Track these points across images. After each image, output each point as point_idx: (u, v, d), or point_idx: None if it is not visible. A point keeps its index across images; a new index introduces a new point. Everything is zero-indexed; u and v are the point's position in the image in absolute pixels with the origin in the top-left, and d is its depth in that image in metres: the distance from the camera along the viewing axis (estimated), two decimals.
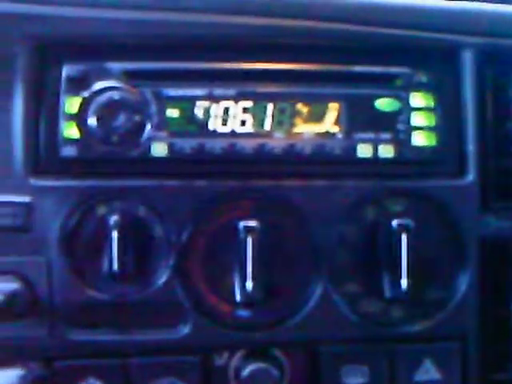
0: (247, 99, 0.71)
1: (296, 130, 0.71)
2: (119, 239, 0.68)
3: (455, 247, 0.74)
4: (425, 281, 0.73)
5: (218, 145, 0.70)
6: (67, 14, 0.71)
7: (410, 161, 0.73)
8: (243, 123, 0.71)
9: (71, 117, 0.70)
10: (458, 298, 0.74)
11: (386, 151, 0.72)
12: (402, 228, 0.70)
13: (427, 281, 0.73)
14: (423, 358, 0.74)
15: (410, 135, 0.73)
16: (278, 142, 0.71)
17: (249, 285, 0.68)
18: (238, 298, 0.70)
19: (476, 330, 0.75)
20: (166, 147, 0.70)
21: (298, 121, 0.71)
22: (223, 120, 0.71)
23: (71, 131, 0.70)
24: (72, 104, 0.70)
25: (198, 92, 0.71)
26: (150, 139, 0.70)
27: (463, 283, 0.74)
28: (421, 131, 0.73)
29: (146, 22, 0.71)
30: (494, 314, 0.75)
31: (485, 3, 0.75)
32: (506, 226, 0.75)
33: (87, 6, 0.71)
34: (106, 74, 0.70)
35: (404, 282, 0.70)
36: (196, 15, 0.72)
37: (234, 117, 0.71)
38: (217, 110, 0.71)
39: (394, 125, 0.72)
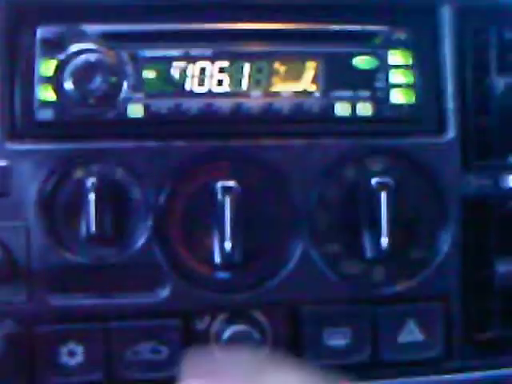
0: (224, 59, 0.72)
1: (273, 89, 0.72)
2: (96, 202, 0.68)
3: (436, 206, 0.74)
4: (406, 240, 0.73)
5: (194, 105, 0.71)
6: None
7: (388, 119, 0.73)
8: (220, 83, 0.71)
9: (47, 80, 0.70)
10: (440, 258, 0.75)
11: (365, 109, 0.73)
12: (382, 186, 0.71)
13: (408, 240, 0.74)
14: (406, 319, 0.75)
15: (388, 93, 0.73)
16: (255, 101, 0.71)
17: (227, 246, 0.69)
18: (216, 259, 0.70)
19: (458, 289, 0.75)
20: (143, 108, 0.70)
21: (275, 80, 0.72)
22: (200, 80, 0.71)
23: (47, 94, 0.70)
24: (47, 67, 0.70)
25: (174, 53, 0.71)
26: (127, 100, 0.70)
27: (445, 243, 0.74)
28: (399, 89, 0.73)
29: None
30: (477, 274, 0.75)
31: None
32: (486, 184, 0.75)
33: None
34: (81, 37, 0.71)
35: (384, 241, 0.69)
36: None
37: (211, 77, 0.71)
38: (193, 70, 0.71)
39: (372, 83, 0.73)
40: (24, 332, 0.68)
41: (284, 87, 0.72)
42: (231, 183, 0.69)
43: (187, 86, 0.71)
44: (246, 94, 0.71)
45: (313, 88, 0.72)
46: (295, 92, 0.72)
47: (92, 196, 0.68)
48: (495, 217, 0.76)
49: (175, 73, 0.71)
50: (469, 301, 0.76)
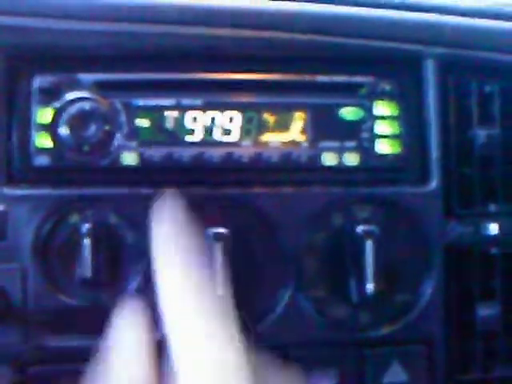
0: (214, 109, 0.79)
1: (263, 138, 0.79)
2: (91, 246, 0.75)
3: (420, 252, 0.82)
4: (390, 285, 0.80)
5: (186, 153, 0.78)
6: (38, 25, 0.78)
7: (374, 168, 0.81)
8: (211, 132, 0.78)
9: (43, 127, 0.77)
10: (423, 303, 0.82)
11: (351, 159, 0.80)
12: (367, 234, 0.78)
13: (393, 286, 0.81)
14: (391, 360, 0.81)
15: (374, 143, 0.80)
16: (245, 150, 0.79)
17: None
18: None
19: (441, 333, 0.82)
20: (136, 156, 0.77)
21: (264, 130, 0.79)
22: (191, 129, 0.78)
23: (43, 141, 0.77)
24: (44, 114, 0.77)
25: (167, 102, 0.78)
26: (120, 148, 0.77)
27: (428, 288, 0.82)
28: (385, 139, 0.81)
29: (116, 33, 0.79)
30: (459, 318, 0.83)
31: (447, 16, 0.83)
32: (469, 231, 0.82)
33: (58, 17, 0.78)
34: (76, 85, 0.78)
35: (369, 287, 0.77)
36: (164, 27, 0.79)
37: (202, 126, 0.78)
38: (185, 119, 0.78)
39: (358, 133, 0.80)
40: (19, 374, 0.75)
41: (273, 137, 0.79)
42: (222, 230, 0.76)
43: (179, 135, 0.78)
44: (236, 144, 0.78)
45: (301, 138, 0.79)
46: (284, 142, 0.79)
47: (87, 241, 0.75)
48: (477, 263, 0.83)
49: (167, 122, 0.78)
50: (452, 343, 0.83)
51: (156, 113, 0.78)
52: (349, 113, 0.80)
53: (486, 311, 0.83)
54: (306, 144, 0.79)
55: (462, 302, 0.83)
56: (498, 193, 0.84)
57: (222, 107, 0.79)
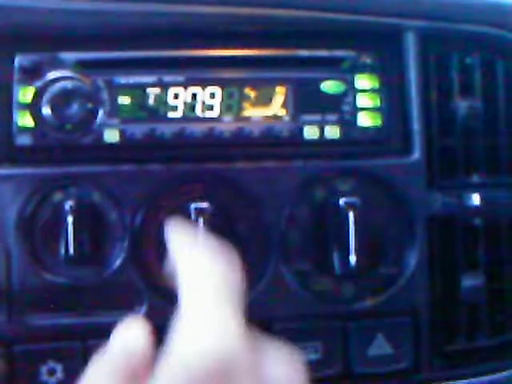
0: (196, 85, 0.80)
1: (244, 113, 0.81)
2: (74, 224, 0.76)
3: (403, 224, 0.83)
4: (374, 257, 0.82)
5: (168, 130, 0.79)
6: (19, 4, 0.79)
7: (356, 141, 0.82)
8: (193, 108, 0.80)
9: (25, 106, 0.78)
10: (407, 274, 0.83)
11: (333, 132, 0.82)
12: (349, 206, 0.79)
13: (376, 257, 0.82)
14: (375, 333, 0.83)
15: (355, 116, 0.82)
16: (227, 125, 0.80)
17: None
18: None
19: (426, 304, 0.83)
20: (118, 133, 0.79)
21: (246, 105, 0.80)
22: (173, 106, 0.79)
23: (25, 120, 0.78)
24: (25, 94, 0.78)
25: (148, 79, 0.80)
26: (103, 126, 0.79)
27: (412, 259, 0.83)
28: (366, 112, 0.82)
29: (98, 12, 0.80)
30: (443, 289, 0.84)
31: None
32: (451, 202, 0.84)
33: None
34: (58, 64, 0.79)
35: (352, 259, 0.78)
36: (145, 5, 0.80)
37: (184, 102, 0.80)
38: (166, 96, 0.79)
39: (339, 106, 0.82)
40: (3, 351, 0.76)
41: (254, 112, 0.80)
42: (204, 204, 0.78)
43: (161, 112, 0.79)
44: (217, 119, 0.80)
45: (282, 112, 0.81)
46: (265, 116, 0.80)
47: (70, 218, 0.76)
48: (460, 233, 0.85)
49: (149, 99, 0.79)
50: (436, 314, 0.85)
51: (138, 90, 0.79)
52: (330, 86, 0.82)
53: (470, 281, 0.85)
54: (287, 118, 0.81)
55: (446, 273, 0.84)
56: (480, 164, 0.85)
57: (204, 83, 0.80)
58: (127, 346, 0.55)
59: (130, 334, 0.56)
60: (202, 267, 0.54)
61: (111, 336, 0.61)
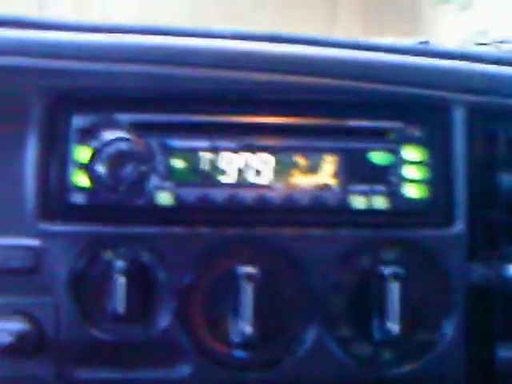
0: (248, 151, 0.84)
1: (294, 181, 0.85)
2: (124, 283, 0.80)
3: (443, 293, 0.87)
4: (413, 325, 0.86)
5: (220, 195, 0.84)
6: (78, 67, 0.83)
7: (401, 212, 0.86)
8: (244, 174, 0.84)
9: (81, 165, 0.82)
10: (444, 342, 0.87)
11: (379, 202, 0.86)
12: (393, 276, 0.84)
13: (416, 325, 0.86)
14: None
15: (402, 187, 0.86)
16: (277, 192, 0.84)
17: (246, 328, 0.82)
18: (235, 339, 0.83)
19: (462, 372, 0.87)
20: (171, 196, 0.83)
21: (295, 172, 0.85)
22: (225, 171, 0.84)
23: (80, 179, 0.82)
24: (82, 153, 0.82)
25: (202, 144, 0.84)
26: (156, 188, 0.83)
27: (450, 328, 0.87)
28: (412, 183, 0.86)
29: (153, 75, 0.84)
30: (479, 358, 0.88)
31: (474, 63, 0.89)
32: (491, 273, 0.88)
33: (97, 59, 0.84)
34: (114, 125, 0.83)
35: (394, 327, 0.83)
36: (200, 70, 0.85)
37: (236, 168, 0.84)
38: (219, 161, 0.84)
39: (386, 177, 0.86)
40: None
41: (304, 180, 0.85)
42: (252, 269, 0.82)
43: (214, 177, 0.83)
44: (268, 186, 0.84)
45: (331, 181, 0.85)
46: (314, 185, 0.85)
47: (120, 278, 0.80)
48: (498, 303, 0.89)
49: (202, 163, 0.83)
50: (472, 383, 0.88)
51: (191, 154, 0.83)
52: (378, 157, 0.86)
53: (506, 352, 0.88)
54: (335, 187, 0.85)
55: (483, 343, 0.88)
56: None
57: (256, 150, 0.84)
58: None
59: None
60: None
61: None
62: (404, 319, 0.84)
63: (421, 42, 1.11)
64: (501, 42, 1.25)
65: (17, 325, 0.80)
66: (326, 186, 0.85)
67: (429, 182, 0.86)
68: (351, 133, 0.86)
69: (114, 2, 4.37)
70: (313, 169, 0.85)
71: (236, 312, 0.82)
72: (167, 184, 0.82)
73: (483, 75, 0.90)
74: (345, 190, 0.85)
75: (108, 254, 0.82)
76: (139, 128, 0.83)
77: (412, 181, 0.86)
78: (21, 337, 0.80)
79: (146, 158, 0.82)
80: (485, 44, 1.28)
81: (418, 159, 0.86)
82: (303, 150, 0.85)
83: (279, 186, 0.84)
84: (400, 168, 0.86)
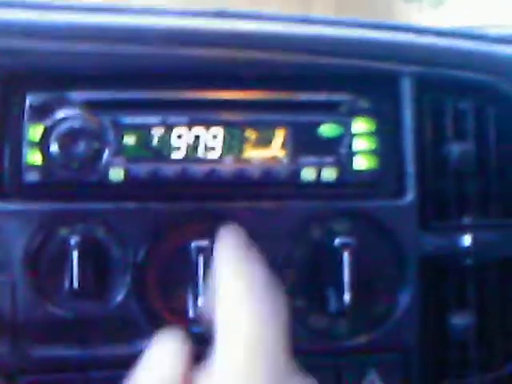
0: (199, 126, 0.86)
1: (245, 155, 0.86)
2: (79, 259, 0.81)
3: (396, 264, 0.89)
4: (368, 296, 0.87)
5: (171, 170, 0.85)
6: (30, 46, 0.84)
7: (351, 183, 0.88)
8: (195, 149, 0.86)
9: (34, 144, 0.84)
10: (399, 313, 0.89)
11: (329, 174, 0.88)
12: (345, 246, 0.85)
13: (370, 296, 0.88)
14: (368, 369, 0.88)
15: (351, 159, 0.88)
16: (227, 166, 0.86)
17: (200, 302, 0.83)
18: (191, 314, 0.84)
19: (417, 342, 0.89)
20: (123, 172, 0.85)
21: (246, 146, 0.86)
22: (177, 146, 0.86)
23: (34, 158, 0.84)
24: (35, 132, 0.84)
25: (153, 120, 0.86)
26: (108, 165, 0.85)
27: (404, 298, 0.89)
28: (362, 155, 0.88)
29: (105, 54, 0.85)
30: (434, 328, 0.90)
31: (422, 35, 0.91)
32: (443, 243, 0.90)
33: (49, 38, 0.85)
34: (66, 103, 0.85)
35: (347, 297, 0.84)
36: (151, 47, 0.86)
37: (187, 143, 0.86)
38: (170, 137, 0.85)
39: (336, 149, 0.88)
40: (6, 383, 0.82)
41: (255, 153, 0.86)
42: (204, 243, 0.83)
43: (164, 152, 0.85)
44: (219, 160, 0.86)
45: (281, 154, 0.87)
46: (265, 158, 0.86)
47: (75, 253, 0.82)
48: (451, 274, 0.91)
49: (154, 139, 0.85)
50: (427, 352, 0.90)
51: (142, 130, 0.85)
52: (328, 129, 0.87)
53: (459, 321, 0.91)
54: (285, 160, 0.87)
55: (436, 312, 0.90)
56: (471, 206, 0.92)
57: (206, 124, 0.86)
58: (167, 356, 0.60)
59: (169, 344, 0.60)
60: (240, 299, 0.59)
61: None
62: (357, 290, 0.85)
63: None
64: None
65: None
66: (277, 160, 0.86)
67: (379, 154, 0.88)
68: (301, 106, 0.88)
69: None
70: (263, 142, 0.86)
71: (190, 286, 0.83)
72: (119, 160, 0.84)
73: (431, 47, 0.92)
74: (295, 163, 0.87)
75: (63, 231, 0.83)
76: (92, 106, 0.85)
77: (362, 152, 0.88)
78: None
79: (98, 135, 0.84)
80: None
81: (367, 131, 0.88)
82: (254, 124, 0.86)
83: (230, 160, 0.86)
84: (349, 140, 0.88)
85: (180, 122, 0.85)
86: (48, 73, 0.85)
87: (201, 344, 0.87)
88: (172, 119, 0.85)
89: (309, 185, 0.87)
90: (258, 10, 0.93)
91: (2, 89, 0.84)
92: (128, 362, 0.84)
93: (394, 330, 0.88)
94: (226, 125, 0.86)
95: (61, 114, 0.83)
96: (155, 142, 0.85)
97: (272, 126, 0.86)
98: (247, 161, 0.85)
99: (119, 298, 0.84)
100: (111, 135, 0.84)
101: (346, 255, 0.84)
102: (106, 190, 0.85)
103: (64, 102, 0.84)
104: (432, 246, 0.89)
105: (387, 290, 0.88)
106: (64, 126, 0.83)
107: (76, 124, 0.83)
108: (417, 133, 0.89)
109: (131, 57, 0.86)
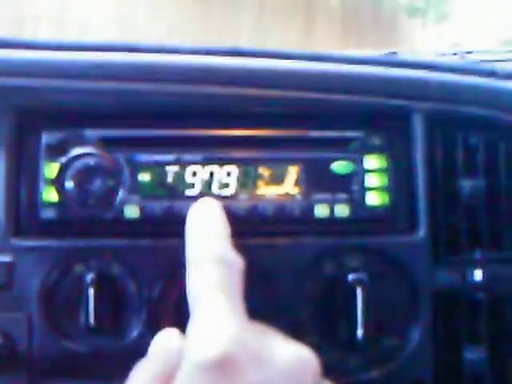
0: (213, 164, 0.88)
1: (259, 191, 0.88)
2: (95, 295, 0.83)
3: (409, 299, 0.90)
4: (380, 331, 0.89)
5: (185, 207, 0.86)
6: (46, 85, 0.87)
7: (364, 219, 0.90)
8: (209, 186, 0.87)
9: (50, 181, 0.85)
10: (411, 347, 0.90)
11: (342, 211, 0.89)
12: (357, 282, 0.87)
13: (382, 331, 0.89)
14: None
15: (364, 195, 0.89)
16: (242, 203, 0.88)
17: None
18: None
19: (429, 376, 0.90)
20: (138, 209, 0.86)
21: (260, 183, 0.88)
22: (191, 183, 0.87)
23: (50, 195, 0.85)
24: (51, 169, 0.86)
25: (168, 157, 0.87)
26: (123, 202, 0.86)
27: (417, 332, 0.90)
28: (374, 191, 0.90)
29: (120, 91, 0.88)
30: (447, 361, 0.91)
31: (432, 72, 0.93)
32: (456, 278, 0.91)
33: (64, 77, 0.87)
34: (82, 141, 0.87)
35: (360, 332, 0.86)
36: (166, 85, 0.88)
37: (201, 180, 0.87)
38: (185, 174, 0.87)
39: (349, 186, 0.89)
40: None
41: (268, 190, 0.88)
42: None
43: (179, 189, 0.87)
44: (233, 197, 0.87)
45: (295, 191, 0.88)
46: (278, 195, 0.88)
47: (91, 290, 0.84)
48: (463, 308, 0.92)
49: (168, 176, 0.87)
50: None
51: (157, 168, 0.87)
52: (340, 166, 0.89)
53: (472, 355, 0.92)
54: (299, 196, 0.88)
55: (449, 346, 0.91)
56: (483, 240, 0.93)
57: (220, 162, 0.88)
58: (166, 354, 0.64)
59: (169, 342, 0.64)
60: (210, 258, 0.64)
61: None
62: (370, 325, 0.86)
63: (388, 53, 1.15)
64: (467, 53, 1.29)
65: None
66: (290, 196, 0.88)
67: (390, 190, 0.90)
68: (314, 143, 0.90)
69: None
70: (277, 179, 0.88)
71: None
72: (134, 197, 0.86)
73: (441, 83, 0.94)
74: (308, 200, 0.88)
75: (79, 268, 0.85)
76: (107, 143, 0.86)
77: (374, 189, 0.89)
78: None
79: (113, 172, 0.85)
80: (453, 54, 1.32)
81: (379, 167, 0.90)
82: (267, 161, 0.88)
83: (244, 197, 0.87)
84: (362, 176, 0.89)
85: (194, 159, 0.87)
86: (63, 111, 0.88)
87: None
88: (186, 157, 0.87)
89: (322, 221, 0.88)
90: (271, 48, 0.94)
91: (17, 127, 0.85)
92: None
93: (407, 364, 0.89)
94: (240, 162, 0.87)
95: (76, 151, 0.85)
96: (170, 179, 0.86)
97: (285, 163, 0.88)
98: (261, 198, 0.87)
99: (135, 333, 0.85)
100: (126, 173, 0.86)
101: (358, 291, 0.86)
102: (121, 227, 0.87)
103: (79, 140, 0.86)
104: (444, 280, 0.90)
105: (400, 324, 0.90)
106: (79, 164, 0.84)
107: (91, 161, 0.84)
108: (428, 168, 0.90)
109: (145, 94, 0.88)
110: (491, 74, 0.97)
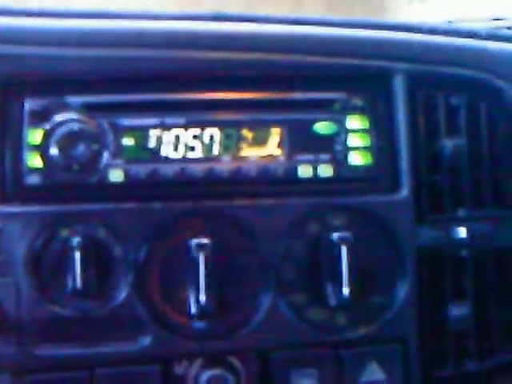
0: (196, 127, 0.88)
1: (242, 153, 0.88)
2: (81, 259, 0.83)
3: (393, 257, 0.91)
4: (366, 289, 0.89)
5: (170, 169, 0.87)
6: (29, 52, 0.87)
7: (347, 179, 0.90)
8: (193, 149, 0.88)
9: (34, 148, 0.85)
10: (397, 304, 0.91)
11: (325, 171, 0.90)
12: (342, 240, 0.87)
13: (368, 289, 0.90)
14: (368, 360, 0.91)
15: (346, 155, 0.90)
16: (225, 165, 0.88)
17: (202, 298, 0.85)
18: (193, 310, 0.86)
19: (415, 332, 0.91)
20: (122, 173, 0.86)
21: (243, 145, 0.88)
22: (174, 146, 0.87)
23: (34, 161, 0.85)
24: (35, 136, 0.86)
25: (151, 121, 0.87)
26: (107, 166, 0.86)
27: (402, 290, 0.91)
28: (357, 151, 0.90)
29: (102, 58, 0.88)
30: (432, 318, 0.92)
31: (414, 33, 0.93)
32: (439, 235, 0.92)
33: (48, 44, 0.87)
34: (65, 107, 0.87)
35: (346, 291, 0.86)
36: (147, 51, 0.89)
37: (185, 143, 0.87)
38: (168, 137, 0.87)
39: (331, 146, 0.90)
40: (13, 382, 0.83)
41: (251, 152, 0.88)
42: (205, 240, 0.85)
43: (163, 152, 0.87)
44: (216, 159, 0.88)
45: (277, 152, 0.89)
46: (261, 156, 0.88)
47: (77, 254, 0.84)
48: (448, 265, 0.93)
49: (152, 140, 0.87)
50: (425, 342, 0.93)
51: (141, 132, 0.87)
52: (322, 127, 0.89)
53: (457, 311, 0.93)
54: (282, 158, 0.88)
55: (434, 303, 0.92)
56: (465, 198, 0.93)
57: (203, 125, 0.88)
58: None
59: None
60: None
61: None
62: (356, 283, 0.87)
63: None
64: (449, 22, 1.29)
65: None
66: (273, 158, 0.88)
67: (373, 150, 0.90)
68: (296, 105, 0.90)
69: None
70: (260, 141, 0.89)
71: (191, 283, 0.86)
72: (118, 161, 0.86)
73: (422, 44, 0.94)
74: (291, 161, 0.89)
75: (64, 232, 0.85)
76: (90, 109, 0.87)
77: (356, 149, 0.90)
78: None
79: (97, 137, 0.86)
80: None
81: (361, 128, 0.90)
82: (250, 124, 0.88)
83: (227, 159, 0.88)
84: (344, 137, 0.90)
85: (177, 123, 0.87)
86: (46, 78, 0.88)
87: (202, 340, 0.90)
88: (169, 120, 0.87)
89: (305, 181, 0.89)
90: (253, 12, 0.94)
91: (1, 95, 0.85)
92: (132, 359, 0.87)
93: (393, 321, 0.90)
94: (223, 125, 0.88)
95: (60, 117, 0.85)
96: (153, 142, 0.86)
97: (267, 125, 0.88)
98: (244, 159, 0.88)
99: (122, 296, 0.86)
100: (110, 137, 0.86)
101: (343, 249, 0.86)
102: (106, 191, 0.87)
103: (62, 106, 0.86)
104: (428, 238, 0.91)
105: (385, 282, 0.91)
106: (63, 130, 0.85)
107: (75, 127, 0.85)
108: (410, 129, 0.91)
109: (128, 60, 0.88)
110: (472, 35, 0.97)
